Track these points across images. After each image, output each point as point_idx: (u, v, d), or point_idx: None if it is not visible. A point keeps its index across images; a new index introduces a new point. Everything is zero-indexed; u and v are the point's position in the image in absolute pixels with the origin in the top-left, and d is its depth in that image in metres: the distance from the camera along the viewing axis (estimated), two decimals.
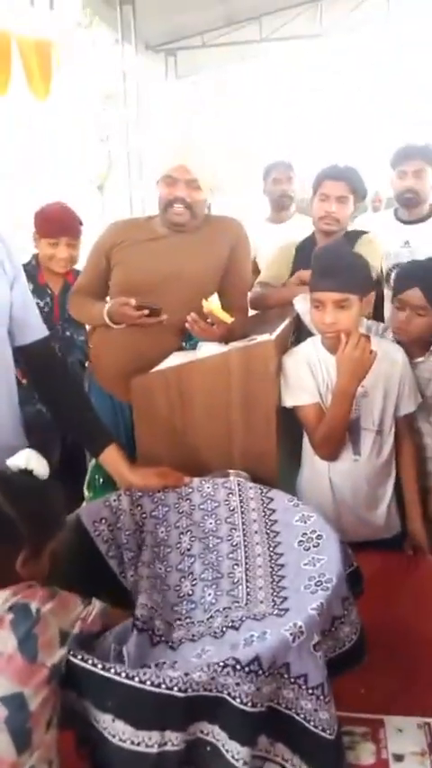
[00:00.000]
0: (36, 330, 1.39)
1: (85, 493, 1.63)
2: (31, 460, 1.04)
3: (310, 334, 1.69)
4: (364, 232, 2.14)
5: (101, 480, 1.60)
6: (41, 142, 5.70)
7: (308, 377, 1.57)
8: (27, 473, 1.04)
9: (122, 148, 7.47)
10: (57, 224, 2.22)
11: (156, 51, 7.62)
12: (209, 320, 1.71)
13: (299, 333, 1.83)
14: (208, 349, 1.65)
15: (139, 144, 6.93)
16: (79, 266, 2.29)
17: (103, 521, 1.29)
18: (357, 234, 2.11)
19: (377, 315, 1.92)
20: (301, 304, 1.78)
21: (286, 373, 1.59)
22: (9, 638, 0.87)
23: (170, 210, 1.80)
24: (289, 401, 1.58)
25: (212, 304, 1.72)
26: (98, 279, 1.94)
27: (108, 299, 1.91)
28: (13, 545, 0.97)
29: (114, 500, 1.33)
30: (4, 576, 0.95)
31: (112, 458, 1.35)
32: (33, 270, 2.28)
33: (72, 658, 0.89)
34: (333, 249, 1.75)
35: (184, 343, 1.87)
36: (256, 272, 2.38)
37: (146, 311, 1.69)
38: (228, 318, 1.68)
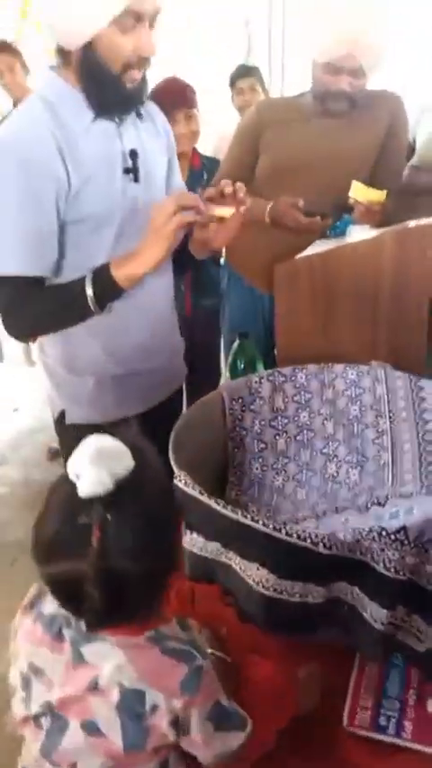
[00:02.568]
0: None
1: (225, 374, 1.67)
2: (116, 462, 0.73)
3: None
4: None
5: (242, 365, 1.63)
6: (181, 25, 5.47)
7: None
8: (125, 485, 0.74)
9: (264, 31, 7.00)
10: (168, 98, 2.08)
11: None
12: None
13: None
14: (358, 234, 1.57)
15: (283, 27, 6.45)
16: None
17: (240, 400, 1.32)
18: None
19: None
20: None
21: None
22: (114, 723, 0.74)
23: (329, 100, 1.66)
24: None
25: (359, 190, 1.62)
26: (245, 165, 1.85)
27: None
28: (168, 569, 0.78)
29: (256, 381, 1.35)
30: (143, 614, 0.77)
31: None
32: None
33: (221, 509, 0.95)
34: None
35: (328, 232, 1.79)
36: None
37: (317, 218, 1.61)
38: (381, 195, 1.57)
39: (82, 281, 1.11)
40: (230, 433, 1.31)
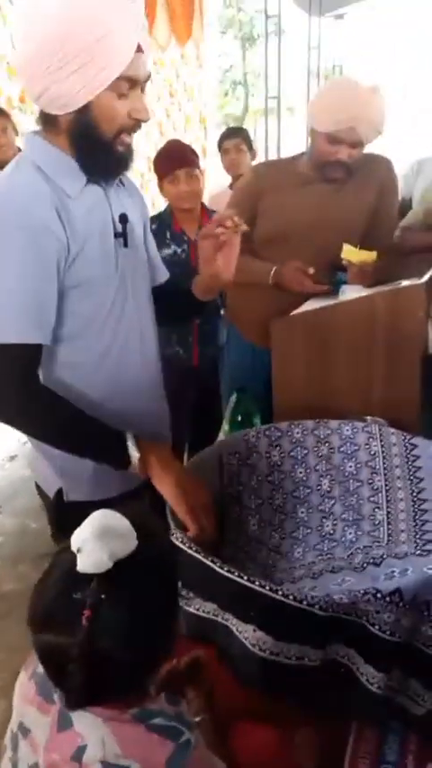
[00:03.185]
0: (164, 271, 1.42)
1: (225, 427, 1.69)
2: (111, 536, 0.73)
3: None
4: None
5: (240, 419, 1.66)
6: (179, 87, 5.75)
7: None
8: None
9: (261, 91, 7.31)
10: (170, 158, 2.20)
11: None
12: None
13: None
14: (351, 293, 1.62)
15: (277, 87, 6.75)
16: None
17: (236, 454, 1.34)
18: None
19: None
20: None
21: None
22: None
23: (328, 167, 1.74)
24: None
25: (350, 252, 1.68)
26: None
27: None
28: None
29: (253, 436, 1.38)
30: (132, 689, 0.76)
31: None
32: (168, 218, 2.27)
33: (218, 569, 0.95)
34: None
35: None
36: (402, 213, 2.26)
37: (325, 287, 1.67)
38: (372, 256, 1.63)
39: (123, 435, 1.10)
40: (227, 488, 1.32)
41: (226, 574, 0.95)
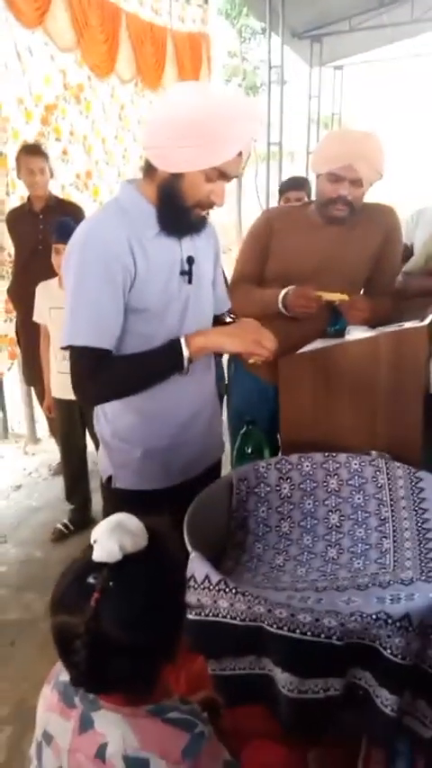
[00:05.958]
0: (226, 302, 1.66)
1: (233, 461, 1.76)
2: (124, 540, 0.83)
3: None
4: None
5: (249, 451, 1.72)
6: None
7: None
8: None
9: (262, 137, 7.58)
10: None
11: (301, 39, 7.64)
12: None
13: None
14: (356, 333, 1.71)
15: (279, 133, 7.00)
16: None
17: (245, 481, 1.41)
18: None
19: None
20: None
21: None
22: None
23: (331, 207, 1.83)
24: None
25: (325, 293, 1.78)
26: (259, 266, 2.00)
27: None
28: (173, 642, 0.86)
29: (263, 467, 1.44)
30: (147, 688, 0.85)
31: None
32: None
33: (230, 620, 0.96)
34: None
35: (328, 329, 1.94)
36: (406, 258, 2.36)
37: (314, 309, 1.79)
38: (343, 297, 1.74)
39: (172, 346, 1.32)
40: (233, 513, 1.38)
41: (239, 623, 0.96)
